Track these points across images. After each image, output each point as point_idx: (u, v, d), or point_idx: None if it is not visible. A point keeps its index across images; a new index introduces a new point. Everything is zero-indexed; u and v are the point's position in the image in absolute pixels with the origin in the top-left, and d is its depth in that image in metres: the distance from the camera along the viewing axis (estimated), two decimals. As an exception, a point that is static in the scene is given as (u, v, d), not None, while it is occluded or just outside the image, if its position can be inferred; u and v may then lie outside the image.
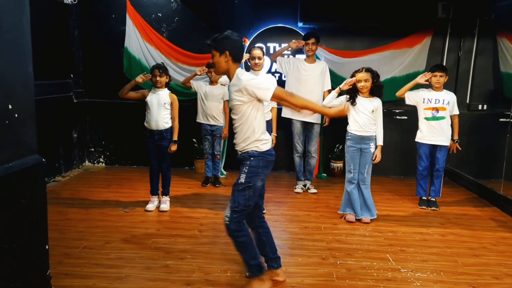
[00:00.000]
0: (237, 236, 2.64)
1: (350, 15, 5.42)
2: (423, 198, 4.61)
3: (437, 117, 4.40)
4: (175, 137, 4.18)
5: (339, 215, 4.19)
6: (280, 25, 5.73)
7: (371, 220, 4.05)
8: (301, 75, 4.91)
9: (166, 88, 4.20)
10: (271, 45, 5.76)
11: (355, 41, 5.75)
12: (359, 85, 3.92)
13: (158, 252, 3.28)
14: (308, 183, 5.16)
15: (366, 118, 3.94)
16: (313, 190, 5.07)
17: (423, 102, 4.44)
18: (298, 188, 5.09)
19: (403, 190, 5.25)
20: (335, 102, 4.05)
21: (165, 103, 4.11)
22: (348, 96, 4.00)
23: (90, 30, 5.86)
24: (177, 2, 5.77)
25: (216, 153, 5.26)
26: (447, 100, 4.39)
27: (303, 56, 5.11)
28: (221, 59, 2.64)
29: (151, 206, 4.24)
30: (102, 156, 6.14)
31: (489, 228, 4.02)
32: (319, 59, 5.26)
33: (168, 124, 4.16)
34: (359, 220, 4.06)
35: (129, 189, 4.98)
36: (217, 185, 5.20)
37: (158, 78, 4.08)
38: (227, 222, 2.64)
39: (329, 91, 4.68)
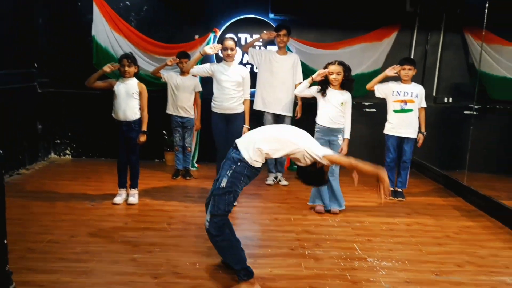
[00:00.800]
0: (218, 241, 2.63)
1: (321, 7, 5.43)
2: (390, 189, 4.71)
3: (406, 109, 4.49)
4: (144, 128, 4.10)
5: (309, 207, 4.23)
6: (251, 16, 5.69)
7: (339, 211, 4.11)
8: (273, 67, 4.90)
9: (135, 78, 4.11)
10: (242, 36, 5.71)
11: (326, 33, 5.78)
12: (331, 77, 3.94)
13: (126, 246, 3.23)
14: (279, 175, 5.18)
15: (335, 111, 3.98)
16: (284, 182, 5.10)
17: (392, 95, 4.52)
18: (270, 180, 5.11)
19: (371, 181, 5.28)
20: (307, 92, 4.09)
21: (133, 93, 4.02)
22: (319, 87, 4.03)
23: (56, 18, 5.64)
24: (146, -10, 5.63)
25: (186, 145, 5.21)
26: (416, 93, 4.49)
27: (275, 48, 5.10)
28: None
29: (118, 199, 4.16)
30: (69, 148, 5.97)
31: (453, 217, 4.15)
32: (291, 51, 5.26)
33: (136, 115, 4.07)
34: (328, 211, 4.11)
35: (96, 181, 4.87)
36: (188, 178, 5.15)
37: (126, 68, 3.99)
38: (207, 227, 2.62)
39: (301, 83, 4.71)
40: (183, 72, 4.98)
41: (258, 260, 3.08)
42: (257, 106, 5.00)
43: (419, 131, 4.59)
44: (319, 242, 3.43)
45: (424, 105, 4.58)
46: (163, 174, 5.33)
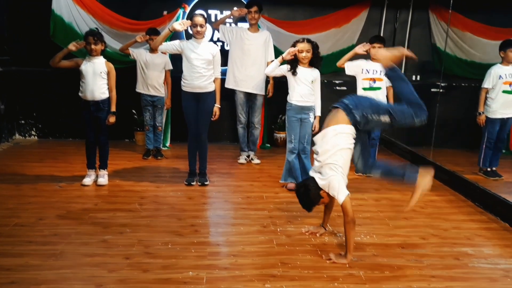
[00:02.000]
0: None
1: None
2: None
3: (374, 87, 4.55)
4: (113, 108, 4.01)
5: (281, 184, 4.27)
6: (221, -8, 5.57)
7: None
8: (244, 45, 4.84)
9: (102, 56, 3.98)
10: (212, 12, 5.61)
11: (297, 10, 5.74)
12: (301, 55, 3.94)
13: (96, 227, 3.19)
14: (251, 153, 5.20)
15: (306, 88, 4.00)
16: (256, 161, 5.12)
17: (362, 73, 4.57)
18: (242, 159, 5.12)
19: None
20: (277, 72, 4.08)
21: (101, 72, 3.90)
22: (289, 66, 4.02)
23: (15, -9, 5.37)
24: (111, -37, 5.40)
25: (157, 124, 5.13)
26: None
27: (246, 25, 5.03)
28: None
29: (88, 180, 4.08)
30: (34, 128, 5.78)
31: (419, 192, 4.29)
32: (262, 28, 5.20)
33: (105, 95, 3.96)
34: None
35: (64, 163, 4.75)
36: (159, 158, 5.10)
37: (93, 46, 3.84)
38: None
39: (272, 62, 4.69)
40: (152, 50, 4.86)
41: (230, 238, 3.12)
42: (229, 84, 4.96)
43: None
44: (290, 219, 3.49)
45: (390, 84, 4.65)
46: (133, 154, 5.25)
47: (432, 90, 5.71)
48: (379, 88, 4.55)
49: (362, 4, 5.70)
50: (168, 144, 5.60)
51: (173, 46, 4.03)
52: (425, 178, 2.89)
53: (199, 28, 3.96)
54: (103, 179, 4.12)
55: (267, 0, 5.51)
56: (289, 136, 4.13)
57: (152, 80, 4.91)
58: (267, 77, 4.90)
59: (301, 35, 5.58)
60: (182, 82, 4.10)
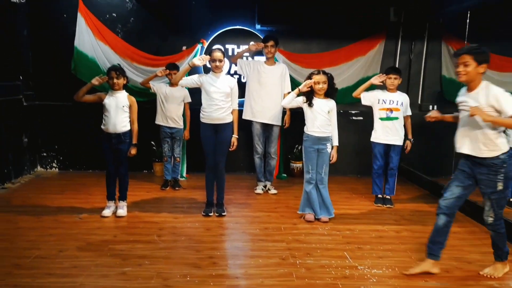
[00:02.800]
0: (498, 228, 3.03)
1: (306, 18, 5.51)
2: (379, 196, 4.76)
3: (391, 117, 4.56)
4: (135, 141, 4.10)
5: (299, 215, 4.24)
6: (238, 27, 5.73)
7: (329, 219, 4.14)
8: (261, 77, 4.95)
9: (124, 90, 4.11)
10: (229, 46, 5.75)
11: (312, 43, 5.86)
12: (317, 87, 4.01)
13: (115, 259, 3.19)
14: (268, 183, 5.20)
15: (323, 119, 4.03)
16: (273, 191, 5.11)
17: (378, 103, 4.59)
18: (259, 189, 5.11)
19: (360, 188, 5.39)
20: (294, 103, 4.14)
21: (123, 106, 4.02)
22: (305, 98, 4.08)
23: (40, 30, 5.62)
24: (132, 2, 5.64)
25: (175, 155, 5.20)
26: (401, 101, 4.57)
27: (263, 58, 5.14)
28: (476, 69, 2.83)
29: (107, 212, 4.12)
30: (55, 160, 5.90)
31: (440, 223, 4.20)
32: (278, 61, 5.31)
33: (126, 127, 4.06)
34: (318, 220, 4.13)
35: (84, 194, 4.82)
36: (177, 188, 5.13)
37: (115, 80, 3.97)
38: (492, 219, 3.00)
39: (289, 93, 4.76)
40: (172, 83, 4.98)
41: (249, 270, 3.08)
42: (246, 115, 5.04)
43: (407, 138, 4.68)
44: (309, 251, 3.44)
45: (409, 113, 4.66)
46: (151, 185, 5.30)
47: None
48: (396, 118, 4.56)
49: (376, 36, 5.77)
50: (185, 174, 5.65)
51: (193, 80, 4.14)
52: (504, 269, 3.13)
53: (217, 63, 4.08)
54: (122, 211, 4.16)
55: (282, 34, 5.67)
56: (307, 167, 4.13)
57: (171, 113, 5.01)
58: (284, 108, 4.96)
59: (316, 69, 5.73)
60: (201, 114, 4.18)
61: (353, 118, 6.02)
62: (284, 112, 5.09)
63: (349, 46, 5.80)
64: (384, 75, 4.55)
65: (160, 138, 5.18)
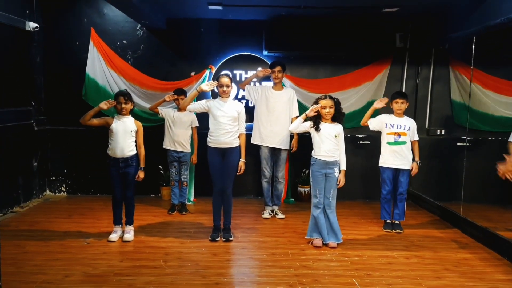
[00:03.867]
0: None
1: (313, 44, 5.59)
2: (388, 221, 4.70)
3: (399, 142, 4.55)
4: (142, 164, 4.15)
5: (307, 240, 4.20)
6: (246, 53, 5.83)
7: (337, 244, 4.08)
8: (269, 103, 5.00)
9: (131, 115, 4.16)
10: (237, 72, 5.84)
11: (319, 69, 5.93)
12: (324, 111, 4.04)
13: (121, 285, 3.17)
14: (275, 208, 5.17)
15: (330, 144, 4.04)
16: (280, 216, 5.08)
17: (386, 127, 4.60)
18: (266, 214, 5.08)
19: (368, 213, 5.33)
20: (301, 128, 4.17)
21: (131, 131, 4.07)
22: (311, 123, 4.11)
23: (53, 57, 5.77)
24: (142, 29, 5.78)
25: (183, 180, 5.21)
26: (408, 126, 4.57)
27: (270, 84, 5.21)
28: None
29: (114, 237, 4.11)
30: (64, 185, 5.95)
31: (451, 249, 4.13)
32: (286, 86, 5.37)
33: (133, 152, 4.10)
34: (326, 245, 4.07)
35: (91, 219, 4.82)
36: (184, 213, 5.12)
37: (123, 106, 4.04)
38: None
39: (297, 117, 4.79)
40: (179, 109, 5.05)
41: (256, 297, 3.03)
42: (255, 140, 5.07)
43: (413, 160, 4.64)
44: (318, 278, 3.39)
45: (416, 138, 4.65)
46: (158, 209, 5.29)
47: (458, 144, 5.64)
48: (404, 143, 4.55)
49: (383, 61, 5.83)
50: (192, 198, 5.65)
51: (201, 105, 4.20)
52: None
53: (225, 88, 4.14)
54: (129, 235, 4.15)
55: (289, 60, 5.76)
56: (314, 191, 4.12)
57: (179, 137, 5.05)
58: (291, 132, 4.99)
59: (322, 95, 5.78)
60: (208, 138, 4.22)
61: (361, 142, 6.01)
62: (292, 137, 5.11)
63: (356, 72, 5.86)
64: (386, 98, 4.57)
65: (168, 162, 5.21)
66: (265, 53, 5.74)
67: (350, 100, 5.82)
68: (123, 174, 4.07)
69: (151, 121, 5.47)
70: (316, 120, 4.08)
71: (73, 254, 3.76)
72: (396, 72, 5.93)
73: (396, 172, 4.62)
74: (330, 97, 4.07)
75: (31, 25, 5.31)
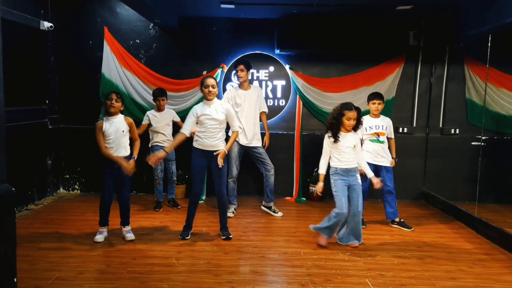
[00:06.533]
0: None
1: (325, 42, 5.55)
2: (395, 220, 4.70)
3: (380, 140, 4.60)
4: (135, 154, 4.09)
5: (317, 238, 4.11)
6: (257, 51, 5.82)
7: (358, 244, 4.06)
8: (238, 102, 5.05)
9: (120, 114, 4.06)
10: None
11: (330, 67, 5.88)
12: (349, 123, 3.88)
13: (134, 282, 3.19)
14: (271, 204, 5.17)
15: (348, 154, 3.93)
16: (279, 213, 5.12)
17: (366, 131, 4.59)
18: (230, 213, 5.00)
19: (380, 213, 5.28)
20: (328, 153, 4.03)
21: (123, 130, 3.99)
22: (330, 134, 3.96)
23: (67, 56, 5.83)
24: (155, 28, 5.81)
25: (174, 178, 5.33)
26: (385, 125, 4.63)
27: (235, 85, 5.31)
28: None
29: (100, 237, 4.06)
30: (78, 183, 6.01)
31: (465, 250, 4.07)
32: (253, 85, 5.34)
33: (128, 151, 4.06)
34: (346, 245, 4.06)
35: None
36: (179, 207, 5.24)
37: (113, 102, 3.92)
38: None
39: (265, 113, 5.24)
40: (159, 109, 5.12)
41: (268, 296, 3.03)
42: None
43: (392, 158, 4.69)
44: (330, 277, 3.37)
45: (392, 136, 4.73)
46: (170, 207, 5.31)
47: (472, 143, 5.56)
48: (383, 142, 4.61)
49: (396, 60, 5.76)
50: (204, 197, 5.66)
51: (190, 120, 4.06)
52: None
53: (210, 89, 4.04)
54: (131, 234, 4.12)
55: (301, 58, 5.74)
56: (339, 201, 3.91)
57: (163, 136, 5.09)
58: (262, 128, 5.22)
59: (335, 93, 5.74)
60: (194, 138, 4.15)
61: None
62: (263, 133, 5.24)
63: (368, 70, 5.80)
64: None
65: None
66: (277, 51, 5.72)
67: (362, 99, 5.77)
68: (119, 175, 3.99)
69: None
70: (335, 130, 3.92)
71: (86, 251, 3.79)
72: (409, 70, 5.86)
73: (376, 168, 4.58)
74: (356, 108, 3.90)
75: (46, 24, 5.38)
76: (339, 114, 3.89)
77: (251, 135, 5.04)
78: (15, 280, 2.16)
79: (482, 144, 5.21)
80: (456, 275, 3.47)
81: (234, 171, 5.11)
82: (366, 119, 4.60)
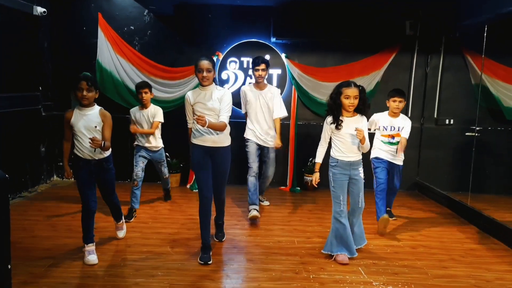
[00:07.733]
0: None
1: (321, 30, 5.51)
2: (387, 209, 4.62)
3: (393, 143, 4.30)
4: (107, 149, 3.23)
5: (325, 254, 3.62)
6: (253, 39, 5.77)
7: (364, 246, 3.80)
8: (251, 101, 4.68)
9: (96, 105, 3.29)
10: (244, 59, 5.78)
11: (327, 56, 5.86)
12: (348, 102, 3.32)
13: (128, 270, 3.20)
14: (260, 196, 5.06)
15: (351, 140, 3.40)
16: (265, 203, 5.13)
17: (379, 129, 4.35)
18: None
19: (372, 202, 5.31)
20: (327, 140, 3.58)
21: (95, 126, 3.20)
22: (330, 119, 3.44)
23: (61, 42, 5.76)
24: (150, 15, 5.74)
25: (166, 176, 4.86)
26: (402, 126, 4.26)
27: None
28: None
29: (94, 258, 3.29)
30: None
31: (458, 240, 4.12)
32: (270, 84, 5.08)
33: (107, 152, 3.33)
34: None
35: (99, 204, 4.82)
36: (168, 200, 5.07)
37: (84, 93, 3.12)
38: None
39: (280, 118, 4.64)
40: (142, 106, 4.49)
41: (262, 284, 3.05)
42: (246, 134, 4.74)
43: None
44: (323, 266, 3.39)
45: (406, 136, 4.25)
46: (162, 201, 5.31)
47: (467, 134, 5.59)
48: (396, 144, 4.28)
49: (391, 49, 5.75)
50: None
51: (189, 110, 3.48)
52: None
53: (205, 73, 3.30)
54: (123, 231, 3.88)
55: (297, 47, 5.71)
56: (337, 198, 3.45)
57: (148, 135, 4.50)
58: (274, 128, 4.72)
59: (330, 83, 5.70)
60: (192, 134, 3.48)
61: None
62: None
63: (364, 60, 5.78)
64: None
65: (135, 157, 4.52)
66: (273, 39, 5.68)
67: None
68: (100, 180, 3.37)
69: (169, 103, 5.50)
70: (336, 113, 3.39)
71: (80, 238, 3.75)
72: (405, 60, 5.85)
73: (390, 166, 4.35)
74: (355, 85, 3.33)
75: (39, 9, 5.29)
76: (337, 93, 3.35)
77: (262, 137, 4.64)
78: (9, 267, 2.15)
79: (476, 134, 5.23)
80: (448, 264, 3.51)
81: (255, 166, 4.63)
82: (383, 117, 4.27)
